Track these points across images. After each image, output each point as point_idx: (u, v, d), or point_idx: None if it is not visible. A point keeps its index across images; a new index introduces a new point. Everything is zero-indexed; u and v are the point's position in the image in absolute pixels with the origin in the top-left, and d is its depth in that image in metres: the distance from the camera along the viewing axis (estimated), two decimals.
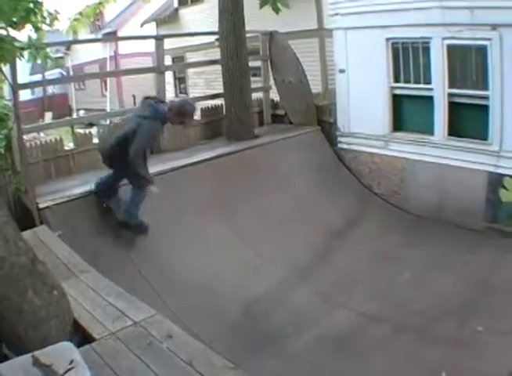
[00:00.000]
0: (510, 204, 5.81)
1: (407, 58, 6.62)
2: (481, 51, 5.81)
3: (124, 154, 4.48)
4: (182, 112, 4.89)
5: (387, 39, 6.67)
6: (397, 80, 6.81)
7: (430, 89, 6.40)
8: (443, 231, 6.02)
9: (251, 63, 7.56)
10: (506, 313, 4.16)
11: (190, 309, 4.37)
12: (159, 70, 7.13)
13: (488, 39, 5.68)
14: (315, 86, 10.10)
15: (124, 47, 20.39)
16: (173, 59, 15.71)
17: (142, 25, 17.80)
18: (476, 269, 5.11)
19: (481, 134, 6.00)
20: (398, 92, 6.84)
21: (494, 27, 5.60)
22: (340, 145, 7.53)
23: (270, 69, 8.16)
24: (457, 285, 4.83)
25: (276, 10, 7.73)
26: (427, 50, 6.34)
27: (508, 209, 5.84)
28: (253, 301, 4.76)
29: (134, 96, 16.96)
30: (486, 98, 5.87)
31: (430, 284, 4.93)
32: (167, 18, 16.64)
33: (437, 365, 3.71)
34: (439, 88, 6.27)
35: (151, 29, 17.44)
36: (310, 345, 4.17)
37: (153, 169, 4.99)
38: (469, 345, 3.93)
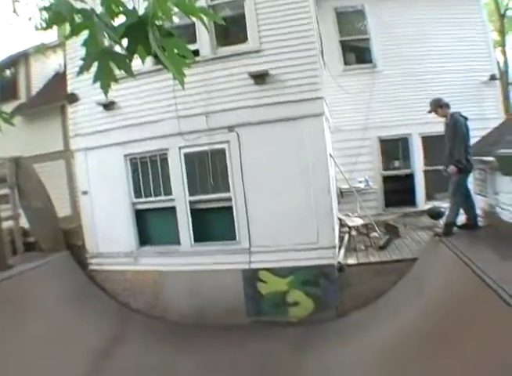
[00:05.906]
0: (272, 295, 6.02)
1: (146, 172, 6.59)
2: (220, 154, 6.15)
3: None
4: None
5: (126, 156, 6.58)
6: (138, 195, 6.65)
7: (172, 200, 6.41)
8: (209, 334, 5.80)
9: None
10: None
11: None
12: None
13: (226, 142, 6.08)
14: (66, 209, 9.43)
15: None
16: None
17: None
18: (247, 365, 5.02)
19: (229, 234, 6.18)
20: (140, 206, 6.65)
21: (231, 128, 6.07)
22: (91, 267, 6.84)
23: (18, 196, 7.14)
24: None
25: None
26: (165, 162, 6.43)
27: (270, 300, 6.03)
28: None
29: None
30: (229, 200, 6.14)
31: None
32: None
33: None
34: (180, 197, 6.34)
35: None
36: None
37: None
38: None
